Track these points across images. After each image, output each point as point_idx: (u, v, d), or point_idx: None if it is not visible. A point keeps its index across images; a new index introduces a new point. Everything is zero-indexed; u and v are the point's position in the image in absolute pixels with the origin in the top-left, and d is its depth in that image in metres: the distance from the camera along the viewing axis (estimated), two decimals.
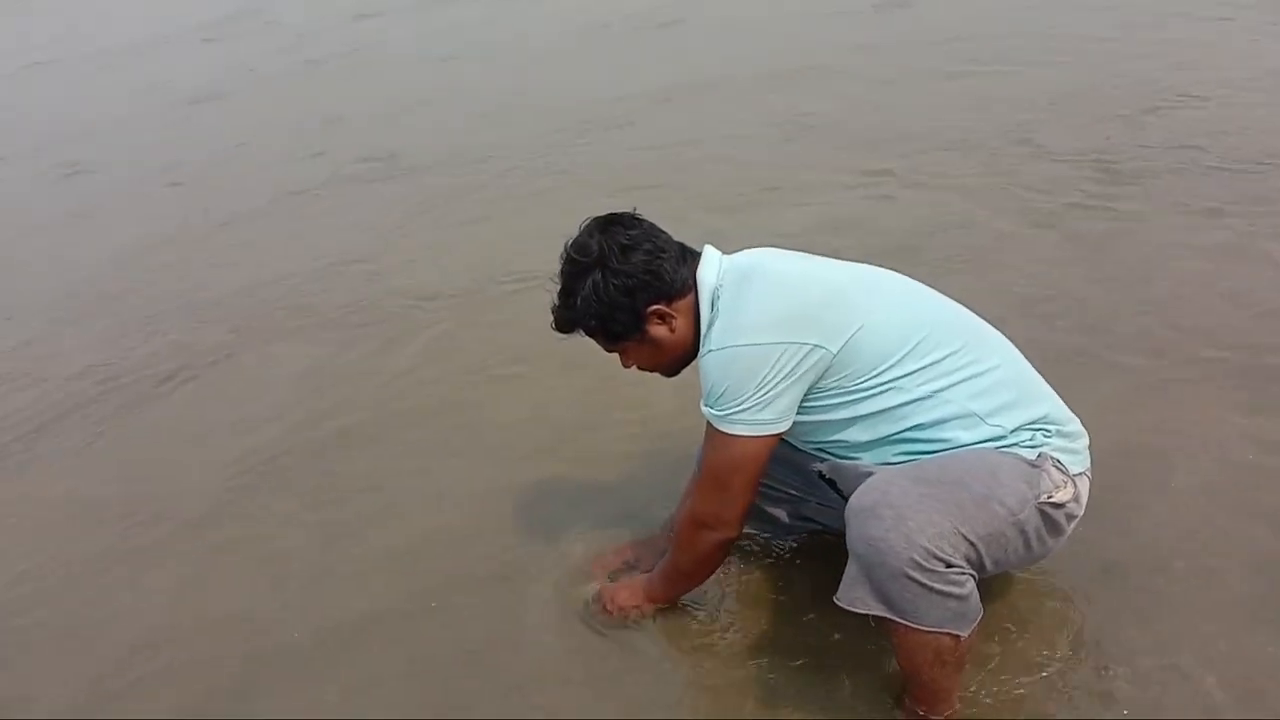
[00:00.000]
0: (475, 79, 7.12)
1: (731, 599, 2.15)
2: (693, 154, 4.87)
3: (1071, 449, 1.75)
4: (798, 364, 1.72)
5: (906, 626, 1.59)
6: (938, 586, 1.55)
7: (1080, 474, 1.74)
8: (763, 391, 1.72)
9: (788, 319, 1.74)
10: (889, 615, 1.59)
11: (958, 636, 1.60)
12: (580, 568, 2.31)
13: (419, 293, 3.91)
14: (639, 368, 2.00)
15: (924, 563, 1.54)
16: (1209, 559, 2.04)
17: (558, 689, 2.02)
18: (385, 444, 2.97)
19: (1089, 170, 3.89)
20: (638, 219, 1.91)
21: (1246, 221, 3.32)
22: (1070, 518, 1.73)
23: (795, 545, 2.25)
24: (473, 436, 2.93)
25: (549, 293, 1.96)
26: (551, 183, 4.87)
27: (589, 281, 1.85)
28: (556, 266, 1.92)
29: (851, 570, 1.63)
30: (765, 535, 2.25)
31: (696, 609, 2.12)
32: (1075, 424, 1.79)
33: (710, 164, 4.70)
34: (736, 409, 1.74)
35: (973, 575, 1.60)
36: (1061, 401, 1.82)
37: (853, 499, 1.65)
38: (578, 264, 1.87)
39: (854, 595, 1.62)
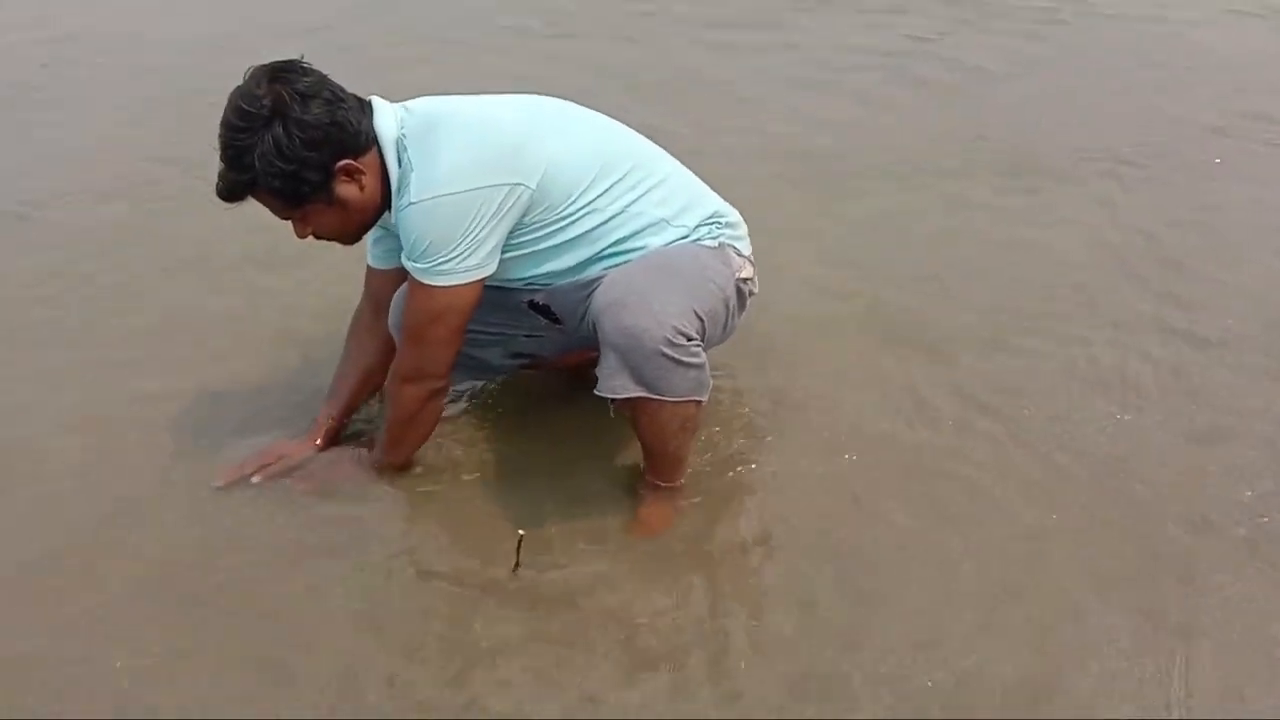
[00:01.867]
0: None
1: (458, 447, 2.20)
2: None
3: (739, 236, 2.05)
4: (499, 204, 1.78)
5: (660, 401, 1.80)
6: (684, 359, 1.77)
7: (749, 256, 2.07)
8: (470, 238, 1.77)
9: (486, 163, 1.78)
10: (646, 394, 1.78)
11: (699, 402, 1.87)
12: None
13: None
14: (316, 237, 1.89)
15: (673, 339, 1.74)
16: None
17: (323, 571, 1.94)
18: None
19: None
20: (308, 67, 1.78)
21: None
22: (751, 294, 2.06)
23: (502, 383, 2.37)
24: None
25: (213, 150, 1.75)
26: None
27: (268, 136, 1.69)
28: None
29: (610, 361, 1.78)
30: (477, 382, 2.33)
31: (429, 466, 2.15)
32: (736, 215, 2.08)
33: None
34: (444, 259, 1.77)
35: (703, 347, 1.86)
36: (720, 198, 2.09)
37: (598, 296, 1.80)
38: (252, 116, 1.69)
39: (614, 384, 1.78)
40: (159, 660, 1.72)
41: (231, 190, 1.77)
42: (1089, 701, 1.60)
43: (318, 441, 2.14)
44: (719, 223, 2.01)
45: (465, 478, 2.12)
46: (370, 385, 2.19)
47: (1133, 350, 2.40)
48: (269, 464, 2.09)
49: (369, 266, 2.12)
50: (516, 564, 1.86)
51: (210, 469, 2.11)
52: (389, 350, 2.10)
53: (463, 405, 2.31)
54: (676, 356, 1.76)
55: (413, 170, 1.79)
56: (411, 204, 1.77)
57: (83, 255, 3.00)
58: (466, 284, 1.81)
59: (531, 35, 4.63)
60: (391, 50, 4.40)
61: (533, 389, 2.34)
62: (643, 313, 1.74)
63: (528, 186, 1.81)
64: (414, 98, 1.92)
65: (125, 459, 2.18)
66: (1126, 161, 3.19)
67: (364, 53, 4.28)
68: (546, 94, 2.03)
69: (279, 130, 1.70)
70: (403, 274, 1.99)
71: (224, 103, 1.76)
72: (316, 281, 2.74)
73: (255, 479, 2.07)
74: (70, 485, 2.12)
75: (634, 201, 1.93)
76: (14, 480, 2.15)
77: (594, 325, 1.82)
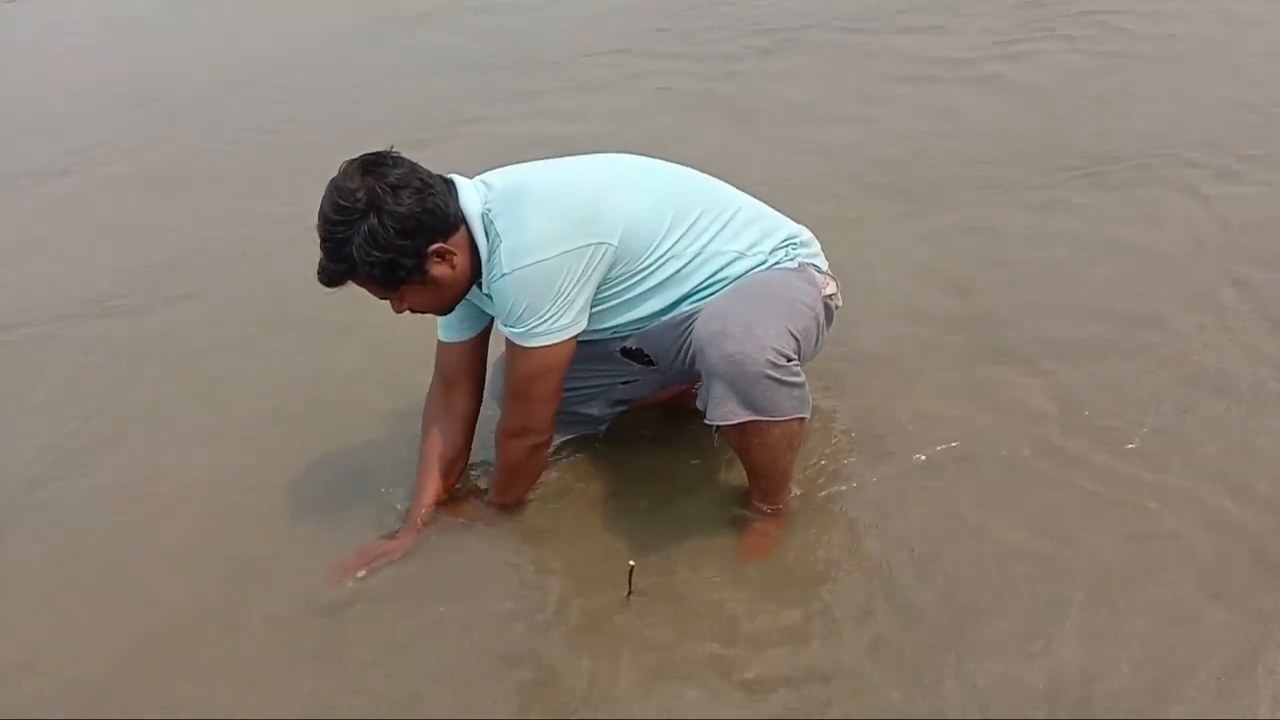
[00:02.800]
0: None
1: (565, 485, 2.28)
2: None
3: (815, 254, 2.11)
4: (586, 264, 1.87)
5: (768, 422, 1.85)
6: (787, 379, 1.83)
7: (829, 272, 2.11)
8: (561, 299, 1.86)
9: (569, 226, 1.87)
10: (755, 417, 1.84)
11: (803, 419, 1.91)
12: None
13: None
14: (412, 311, 1.98)
15: (776, 361, 1.80)
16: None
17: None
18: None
19: None
20: (398, 157, 1.89)
21: None
22: (836, 308, 2.11)
23: (606, 431, 2.41)
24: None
25: (312, 242, 1.88)
26: None
27: (364, 228, 1.80)
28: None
29: (717, 390, 1.84)
30: (583, 433, 2.38)
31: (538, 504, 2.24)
32: (808, 234, 2.13)
33: None
34: (538, 322, 1.87)
35: (800, 365, 1.89)
36: (792, 220, 2.14)
37: (699, 329, 1.87)
38: (348, 210, 1.80)
39: (724, 411, 1.83)
40: (296, 699, 1.85)
41: (331, 278, 1.88)
42: (1204, 704, 1.56)
43: (413, 536, 2.15)
44: (793, 244, 2.07)
45: (573, 514, 2.21)
46: (454, 473, 2.22)
47: (1235, 347, 2.33)
48: (372, 562, 2.12)
49: (439, 342, 2.17)
50: (629, 593, 1.92)
51: (333, 523, 2.25)
52: (465, 432, 2.20)
53: (566, 445, 2.39)
54: (780, 377, 1.82)
55: (501, 242, 1.90)
56: (504, 275, 1.87)
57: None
58: (561, 342, 1.91)
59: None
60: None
61: (629, 426, 2.41)
62: (746, 340, 1.80)
63: (610, 244, 1.90)
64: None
65: (251, 520, 2.33)
66: (1210, 153, 3.10)
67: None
68: (620, 145, 2.16)
69: (374, 222, 1.80)
70: (472, 348, 2.13)
71: None
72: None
73: (360, 574, 2.10)
74: (202, 543, 2.29)
75: (709, 242, 2.01)
76: (152, 537, 2.33)
77: (694, 358, 1.89)
